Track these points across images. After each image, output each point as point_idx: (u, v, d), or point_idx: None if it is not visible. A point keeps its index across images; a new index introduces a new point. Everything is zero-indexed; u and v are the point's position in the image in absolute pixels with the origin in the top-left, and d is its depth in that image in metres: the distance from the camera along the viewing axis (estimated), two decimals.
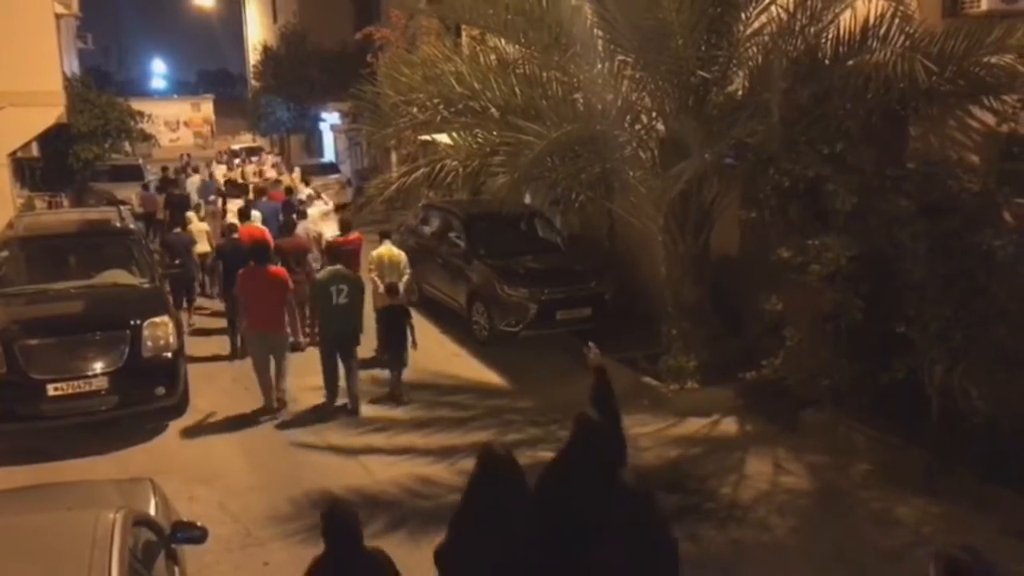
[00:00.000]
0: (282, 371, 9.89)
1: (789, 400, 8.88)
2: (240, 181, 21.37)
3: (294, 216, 13.76)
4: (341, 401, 9.88)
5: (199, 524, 5.22)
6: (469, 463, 4.66)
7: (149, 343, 9.17)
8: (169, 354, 9.30)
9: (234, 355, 11.72)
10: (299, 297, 11.29)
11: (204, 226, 14.82)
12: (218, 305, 13.36)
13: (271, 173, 22.80)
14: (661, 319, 10.37)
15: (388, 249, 11.68)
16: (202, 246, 14.21)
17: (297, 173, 22.52)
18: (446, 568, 4.58)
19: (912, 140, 8.68)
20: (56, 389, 8.69)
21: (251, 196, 16.78)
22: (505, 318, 11.72)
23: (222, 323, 12.42)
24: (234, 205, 15.41)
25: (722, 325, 10.23)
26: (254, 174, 23.80)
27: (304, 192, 17.36)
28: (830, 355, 8.46)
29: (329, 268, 10.18)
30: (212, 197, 18.18)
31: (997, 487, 7.11)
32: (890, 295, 7.83)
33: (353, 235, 12.57)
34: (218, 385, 10.78)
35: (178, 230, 14.18)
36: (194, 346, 11.56)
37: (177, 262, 12.90)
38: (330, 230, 14.04)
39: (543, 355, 11.44)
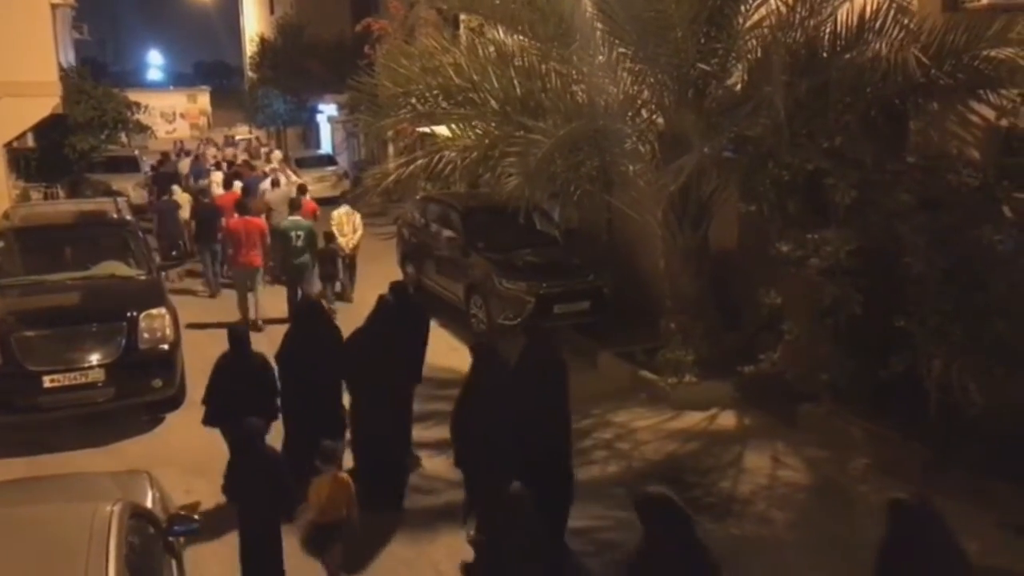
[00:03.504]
0: (258, 299, 12.89)
1: (787, 394, 8.88)
2: (224, 160, 24.98)
3: (259, 186, 17.62)
4: None
5: (195, 516, 5.22)
6: None
7: (146, 335, 9.15)
8: (166, 346, 9.29)
9: (213, 295, 14.74)
10: None
11: (187, 196, 17.56)
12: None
13: (243, 156, 27.16)
14: (659, 313, 10.36)
15: (346, 210, 14.66)
16: (185, 212, 16.86)
17: (277, 154, 26.00)
18: (282, 369, 7.53)
19: (912, 134, 8.67)
20: (52, 381, 8.68)
21: (236, 172, 20.59)
22: (503, 311, 11.68)
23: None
24: (218, 177, 19.25)
25: (721, 319, 10.22)
26: (232, 156, 27.39)
27: (267, 167, 21.15)
28: (829, 349, 8.45)
29: (290, 218, 13.28)
30: (204, 180, 20.35)
31: (995, 481, 7.12)
32: (889, 289, 7.81)
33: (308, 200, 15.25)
34: None
35: (166, 198, 17.28)
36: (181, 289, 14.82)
37: (174, 253, 15.41)
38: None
39: None
